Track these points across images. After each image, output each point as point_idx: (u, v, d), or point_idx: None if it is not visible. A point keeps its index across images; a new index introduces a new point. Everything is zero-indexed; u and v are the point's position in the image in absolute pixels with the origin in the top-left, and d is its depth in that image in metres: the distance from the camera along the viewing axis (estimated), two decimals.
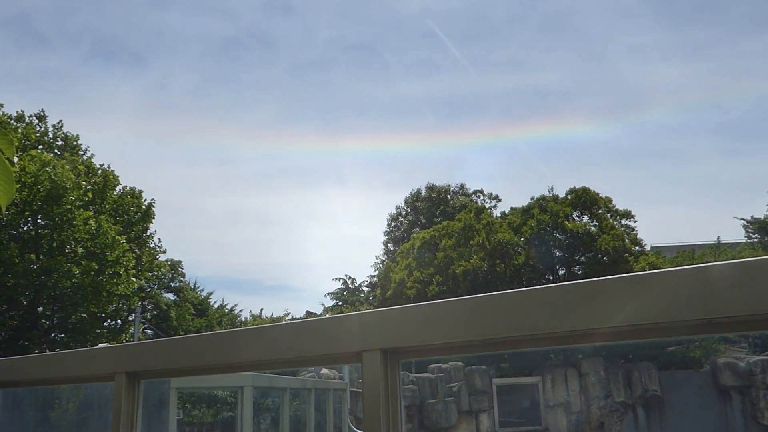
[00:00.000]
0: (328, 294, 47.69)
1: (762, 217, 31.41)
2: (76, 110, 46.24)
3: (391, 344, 1.47)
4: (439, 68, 50.31)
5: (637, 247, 33.37)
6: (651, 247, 36.29)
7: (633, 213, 34.64)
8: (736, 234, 32.85)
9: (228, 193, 57.06)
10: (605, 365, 25.33)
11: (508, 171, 55.81)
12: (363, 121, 51.73)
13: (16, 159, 23.87)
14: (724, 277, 1.08)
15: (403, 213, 47.59)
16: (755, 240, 31.34)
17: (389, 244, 46.58)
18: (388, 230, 47.53)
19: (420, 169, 62.10)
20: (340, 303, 46.21)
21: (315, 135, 50.07)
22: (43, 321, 25.62)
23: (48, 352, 18.75)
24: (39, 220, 24.63)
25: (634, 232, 34.31)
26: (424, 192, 46.87)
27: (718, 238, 32.96)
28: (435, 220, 40.85)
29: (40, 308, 25.33)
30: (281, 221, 62.19)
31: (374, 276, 45.42)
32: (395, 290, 32.79)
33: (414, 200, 47.01)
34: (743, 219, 32.01)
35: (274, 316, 45.99)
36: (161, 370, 2.11)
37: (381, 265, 44.64)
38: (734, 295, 1.06)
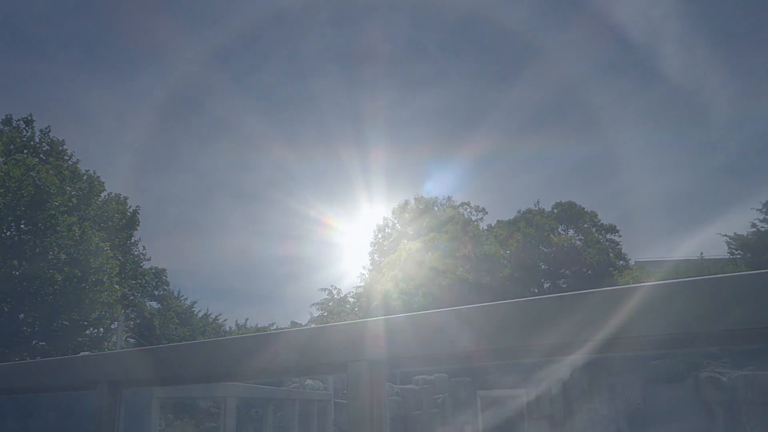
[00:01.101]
0: (313, 304, 47.55)
1: (745, 233, 31.76)
2: (63, 115, 45.93)
3: (377, 355, 1.46)
4: (429, 82, 50.63)
5: (621, 262, 33.62)
6: (635, 261, 36.58)
7: (618, 227, 34.96)
8: (718, 250, 33.12)
9: (214, 202, 56.82)
10: (589, 378, 25.41)
11: (495, 184, 56.07)
12: (352, 132, 51.78)
13: None
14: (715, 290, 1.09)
15: (390, 224, 47.63)
16: (738, 256, 31.65)
17: (375, 255, 46.55)
18: (375, 241, 47.52)
19: (407, 181, 62.24)
20: (325, 314, 46.05)
21: (304, 146, 50.08)
22: (25, 328, 25.29)
23: (29, 360, 18.50)
24: (22, 225, 24.38)
25: (619, 246, 34.60)
26: (411, 203, 46.96)
27: (701, 254, 33.24)
28: (422, 232, 40.88)
29: (22, 315, 25.02)
30: (267, 230, 62.00)
31: (360, 287, 45.35)
32: (381, 302, 32.75)
33: (401, 212, 47.07)
34: (726, 235, 32.33)
35: (259, 326, 45.73)
36: (144, 379, 2.09)
37: (367, 276, 44.59)
38: (722, 309, 1.07)
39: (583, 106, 46.36)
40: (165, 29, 41.41)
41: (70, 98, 45.52)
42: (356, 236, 50.06)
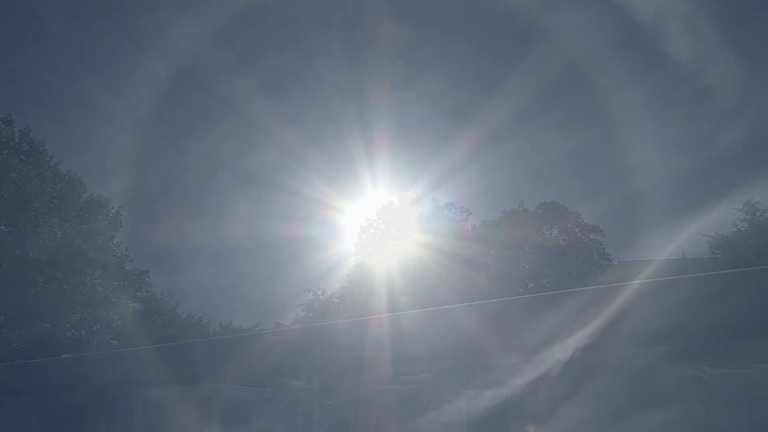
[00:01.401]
0: (298, 305, 47.33)
1: (726, 233, 32.10)
2: (45, 114, 45.45)
3: (362, 354, 1.47)
4: (415, 81, 50.71)
5: (604, 261, 33.90)
6: (619, 261, 36.85)
7: (601, 227, 35.24)
8: (700, 250, 33.43)
9: (198, 201, 56.51)
10: (574, 377, 25.56)
11: (480, 184, 56.25)
12: (338, 132, 51.71)
13: None
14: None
15: (375, 224, 47.58)
16: (719, 256, 32.00)
17: (360, 256, 46.50)
18: (359, 242, 47.46)
19: (392, 181, 62.27)
20: (310, 314, 45.91)
21: (289, 145, 49.91)
22: (5, 331, 24.98)
23: (9, 363, 18.26)
24: (2, 227, 24.09)
25: (602, 246, 34.88)
26: (396, 204, 46.95)
27: (683, 253, 33.53)
28: (407, 233, 40.94)
29: (2, 317, 24.71)
30: (251, 230, 61.65)
31: (345, 287, 45.26)
32: (366, 302, 32.77)
33: (386, 212, 47.05)
34: (707, 235, 32.65)
35: (243, 327, 45.51)
36: (127, 381, 2.08)
37: (352, 277, 44.49)
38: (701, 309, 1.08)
39: (574, 100, 46.66)
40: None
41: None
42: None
